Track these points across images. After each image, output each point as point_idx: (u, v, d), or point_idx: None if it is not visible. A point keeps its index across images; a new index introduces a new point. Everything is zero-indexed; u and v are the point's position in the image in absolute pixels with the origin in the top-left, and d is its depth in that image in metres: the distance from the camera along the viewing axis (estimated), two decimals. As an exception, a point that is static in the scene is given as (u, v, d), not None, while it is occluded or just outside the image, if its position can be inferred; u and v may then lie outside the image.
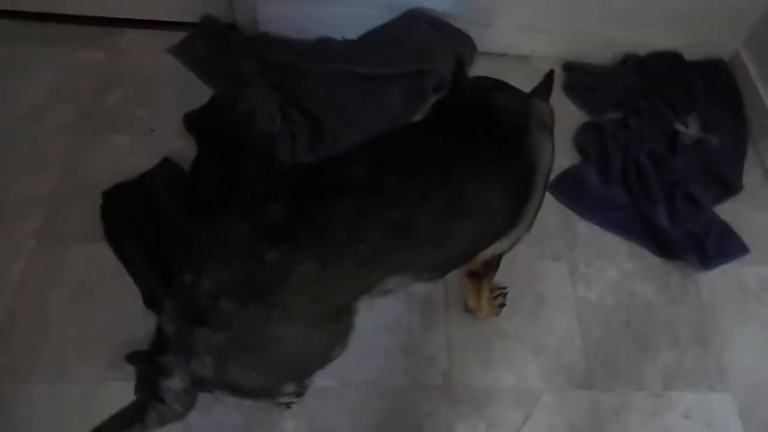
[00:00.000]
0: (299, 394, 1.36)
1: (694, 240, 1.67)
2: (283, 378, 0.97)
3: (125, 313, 1.41)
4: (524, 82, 1.48)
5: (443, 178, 0.98)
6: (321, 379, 1.38)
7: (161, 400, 0.95)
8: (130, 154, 1.69)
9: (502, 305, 1.53)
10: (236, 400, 0.99)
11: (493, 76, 1.28)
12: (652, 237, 1.69)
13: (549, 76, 1.26)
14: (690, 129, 1.91)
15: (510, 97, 1.17)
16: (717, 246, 1.68)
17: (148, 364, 1.01)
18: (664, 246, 1.67)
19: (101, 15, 1.93)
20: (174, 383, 0.93)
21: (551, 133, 1.21)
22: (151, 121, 1.77)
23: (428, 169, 0.98)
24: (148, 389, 0.97)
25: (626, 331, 1.54)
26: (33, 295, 1.43)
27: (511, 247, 1.28)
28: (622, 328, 1.55)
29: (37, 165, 1.64)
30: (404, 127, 1.17)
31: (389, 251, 0.94)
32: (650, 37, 2.03)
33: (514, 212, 1.13)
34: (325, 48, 1.97)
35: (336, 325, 0.96)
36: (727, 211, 1.76)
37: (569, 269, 1.62)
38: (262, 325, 0.87)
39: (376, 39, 1.97)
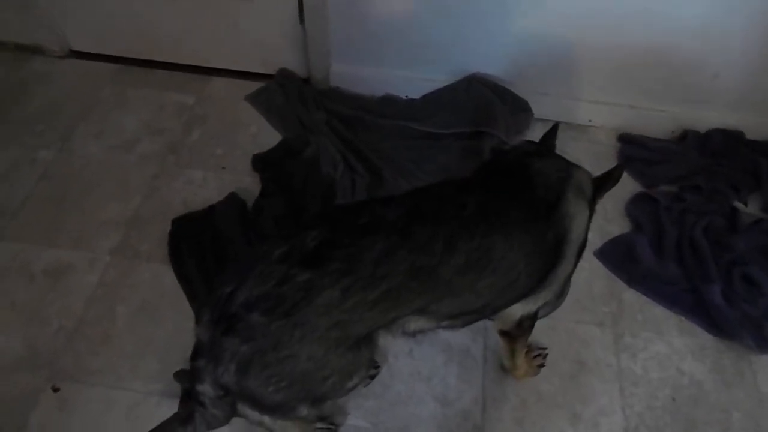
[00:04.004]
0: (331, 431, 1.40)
1: (751, 322, 1.60)
2: (298, 396, 1.01)
3: (180, 332, 1.51)
4: (580, 150, 1.53)
5: (469, 233, 1.03)
6: (355, 419, 1.42)
7: (202, 404, 1.02)
8: (203, 187, 1.85)
9: (542, 366, 1.52)
10: (257, 414, 1.03)
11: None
12: (706, 314, 1.63)
13: (616, 170, 1.23)
14: (750, 207, 1.87)
15: (549, 163, 1.21)
16: (778, 330, 1.60)
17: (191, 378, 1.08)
18: (717, 324, 1.61)
19: (193, 64, 2.18)
20: (206, 389, 0.99)
21: (590, 203, 1.22)
22: (224, 159, 1.94)
23: (457, 222, 1.04)
24: (191, 396, 1.04)
25: (672, 409, 1.48)
26: (102, 306, 1.57)
27: (544, 311, 1.28)
28: (668, 406, 1.48)
29: (122, 190, 1.82)
30: (445, 181, 1.23)
31: (409, 293, 1.00)
32: (712, 114, 2.03)
33: (540, 275, 1.15)
34: (389, 105, 2.11)
35: (353, 354, 1.00)
36: (789, 295, 1.69)
37: (613, 338, 1.59)
38: (284, 340, 0.93)
39: (438, 100, 2.08)
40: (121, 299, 1.58)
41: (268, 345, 0.93)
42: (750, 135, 2.05)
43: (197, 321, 1.02)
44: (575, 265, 1.23)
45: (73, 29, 2.14)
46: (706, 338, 1.61)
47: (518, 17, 1.87)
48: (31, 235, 1.70)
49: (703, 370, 1.55)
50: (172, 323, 1.54)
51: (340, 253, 0.96)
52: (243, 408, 1.03)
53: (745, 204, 1.89)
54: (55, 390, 1.41)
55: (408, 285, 0.99)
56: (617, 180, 1.23)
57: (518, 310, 1.25)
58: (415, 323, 1.09)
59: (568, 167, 1.22)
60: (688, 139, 2.06)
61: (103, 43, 2.16)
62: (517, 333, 1.35)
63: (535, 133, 2.08)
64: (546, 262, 1.14)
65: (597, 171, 1.32)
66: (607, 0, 1.76)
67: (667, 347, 1.59)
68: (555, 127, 1.32)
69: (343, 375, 1.02)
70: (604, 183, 1.23)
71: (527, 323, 1.32)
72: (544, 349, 1.54)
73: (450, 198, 1.11)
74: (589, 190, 1.22)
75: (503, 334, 1.38)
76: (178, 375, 1.41)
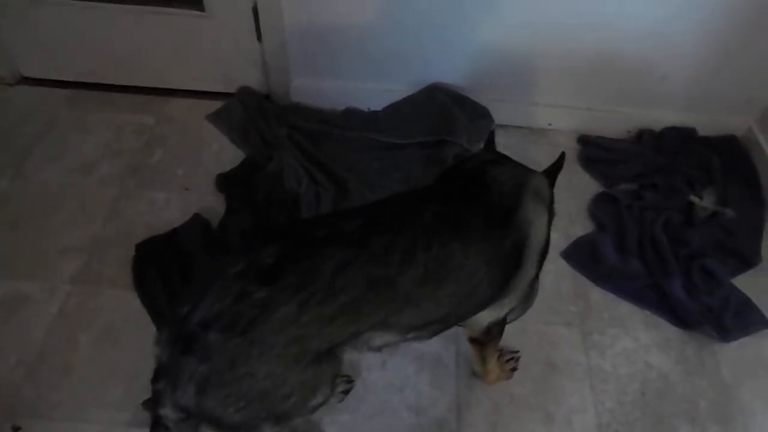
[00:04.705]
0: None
1: (711, 312, 1.65)
2: (259, 416, 0.99)
3: (145, 357, 1.44)
4: (541, 154, 1.55)
5: (427, 243, 1.03)
6: (329, 434, 1.41)
7: (167, 428, 1.00)
8: (165, 209, 1.82)
9: (514, 369, 1.53)
10: None
11: (510, 148, 1.35)
12: (668, 307, 1.68)
13: (560, 159, 1.30)
14: (704, 202, 1.93)
15: (506, 170, 1.23)
16: (736, 319, 1.65)
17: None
18: (680, 316, 1.65)
19: (151, 85, 2.15)
20: (167, 413, 0.97)
21: (549, 207, 1.24)
22: (187, 179, 1.91)
23: (414, 232, 1.04)
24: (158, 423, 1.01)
25: (642, 403, 1.51)
26: (63, 336, 1.52)
27: (513, 316, 1.30)
28: (638, 400, 1.51)
29: (82, 214, 1.78)
30: (404, 192, 1.24)
31: (368, 305, 1.00)
32: (665, 113, 2.11)
33: (501, 282, 1.16)
34: (351, 117, 2.12)
35: (314, 370, 0.99)
36: (746, 284, 1.74)
37: (582, 336, 1.62)
38: (241, 359, 0.92)
39: (399, 110, 2.10)
40: (83, 327, 1.54)
41: (225, 364, 0.91)
42: (702, 132, 2.12)
43: (156, 341, 1.00)
44: (539, 269, 1.24)
45: (24, 55, 2.09)
46: (670, 331, 1.65)
47: (475, 28, 1.90)
48: (-15, 267, 1.64)
49: (669, 362, 1.58)
50: (137, 349, 1.49)
51: (296, 267, 0.96)
52: (205, 431, 1.01)
53: (701, 198, 1.96)
54: (16, 429, 1.36)
55: (366, 297, 0.98)
56: (560, 167, 1.28)
57: (485, 317, 1.26)
58: (381, 338, 1.08)
59: (525, 173, 1.23)
60: (643, 138, 2.13)
61: (56, 68, 2.12)
62: (486, 339, 1.36)
63: (497, 139, 2.10)
64: (507, 268, 1.15)
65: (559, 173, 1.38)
66: (559, 11, 1.81)
67: (634, 342, 1.62)
68: (491, 135, 1.35)
69: (304, 392, 1.00)
70: (552, 173, 1.27)
71: (495, 329, 1.33)
72: (516, 352, 1.56)
73: (407, 208, 1.11)
74: (547, 194, 1.24)
75: (473, 341, 1.39)
76: (146, 403, 1.38)
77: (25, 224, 1.74)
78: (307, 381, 0.99)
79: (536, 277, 1.25)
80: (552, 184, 1.27)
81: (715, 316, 1.64)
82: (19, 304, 1.57)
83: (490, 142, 1.34)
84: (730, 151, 2.09)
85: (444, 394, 1.49)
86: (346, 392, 1.47)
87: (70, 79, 2.14)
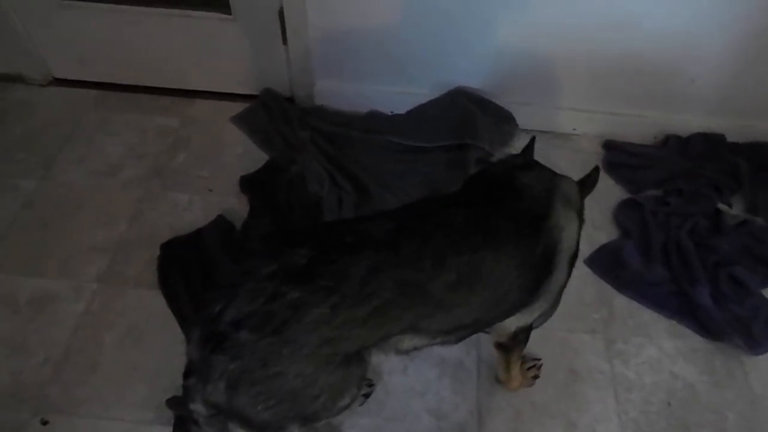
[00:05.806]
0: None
1: (739, 322, 1.62)
2: (287, 416, 0.99)
3: (168, 357, 1.48)
4: (565, 158, 1.54)
5: (458, 248, 1.04)
6: (350, 438, 1.41)
7: (196, 422, 1.01)
8: (188, 211, 1.84)
9: (536, 377, 1.52)
10: None
11: (534, 153, 1.35)
12: (694, 316, 1.64)
13: (594, 172, 1.28)
14: (733, 209, 1.89)
15: (535, 175, 1.22)
16: (766, 329, 1.61)
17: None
18: (707, 326, 1.62)
19: (176, 87, 2.18)
20: (198, 408, 0.98)
21: (579, 212, 1.23)
22: (210, 181, 1.93)
23: (445, 238, 1.04)
24: (186, 418, 1.03)
25: (667, 413, 1.48)
26: (89, 335, 1.54)
27: (538, 322, 1.29)
28: (663, 410, 1.48)
29: (107, 215, 1.81)
30: (432, 197, 1.24)
31: (399, 309, 1.00)
32: (692, 118, 2.07)
33: (532, 287, 1.15)
34: (373, 121, 2.12)
35: (344, 371, 0.99)
36: (776, 294, 1.71)
37: (605, 344, 1.60)
38: (273, 358, 0.92)
39: (422, 114, 2.10)
40: (108, 327, 1.56)
41: (256, 362, 0.92)
42: (731, 137, 2.08)
43: (188, 340, 1.01)
44: (569, 275, 1.23)
45: (55, 57, 2.13)
46: (696, 340, 1.61)
47: (499, 31, 1.89)
48: (14, 265, 1.67)
49: (695, 372, 1.55)
50: (160, 348, 1.52)
51: (328, 270, 0.96)
52: (234, 428, 1.01)
53: (730, 206, 1.91)
54: (44, 423, 1.38)
55: (397, 301, 0.99)
56: (595, 182, 1.26)
57: (513, 322, 1.25)
58: (409, 341, 1.08)
59: (555, 178, 1.23)
60: (669, 143, 2.09)
61: (85, 69, 2.16)
62: (513, 345, 1.35)
63: (521, 143, 2.08)
64: (538, 274, 1.14)
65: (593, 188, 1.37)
66: (584, 13, 1.79)
67: (659, 351, 1.59)
68: (531, 142, 1.34)
69: (333, 393, 1.01)
70: (583, 188, 1.25)
71: (522, 335, 1.32)
72: (539, 359, 1.54)
73: (438, 213, 1.11)
74: (577, 199, 1.23)
75: (499, 346, 1.38)
76: (171, 402, 1.39)
77: (53, 224, 1.78)
78: (336, 382, 0.99)
79: (565, 283, 1.23)
80: (583, 198, 1.25)
81: (744, 327, 1.60)
82: (46, 302, 1.60)
83: (529, 148, 1.33)
84: (759, 157, 2.04)
85: (465, 399, 1.48)
86: (367, 396, 1.47)
87: (98, 80, 2.17)
